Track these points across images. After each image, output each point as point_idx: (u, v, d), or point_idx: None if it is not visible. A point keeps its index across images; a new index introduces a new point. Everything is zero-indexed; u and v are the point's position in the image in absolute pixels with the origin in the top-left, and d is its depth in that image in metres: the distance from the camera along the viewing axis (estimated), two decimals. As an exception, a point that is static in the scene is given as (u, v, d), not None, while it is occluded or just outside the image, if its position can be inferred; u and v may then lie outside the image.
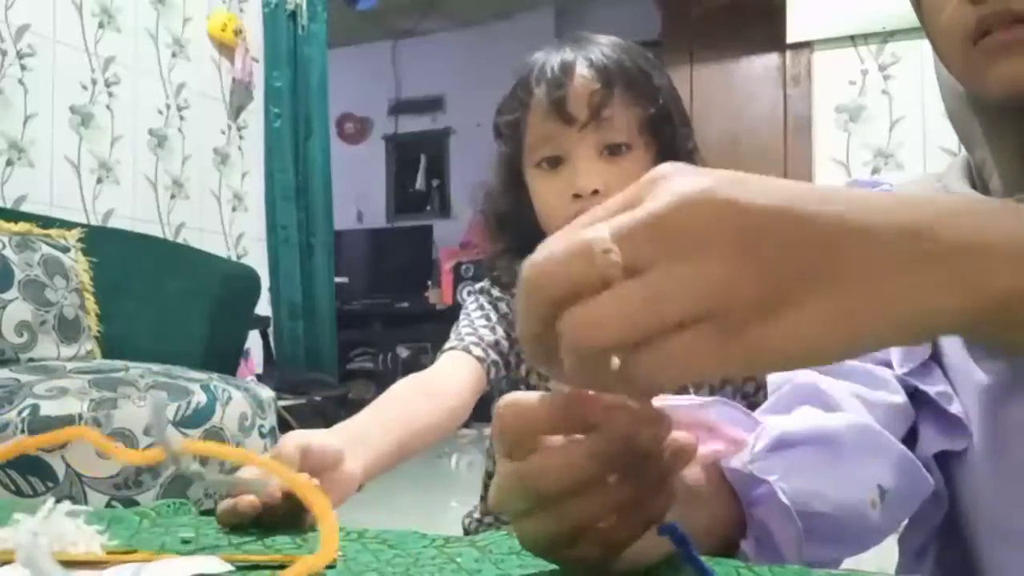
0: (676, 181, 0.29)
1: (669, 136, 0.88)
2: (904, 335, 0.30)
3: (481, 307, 0.95)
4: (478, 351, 0.87)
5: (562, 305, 0.29)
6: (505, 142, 0.91)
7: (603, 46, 0.87)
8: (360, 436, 0.68)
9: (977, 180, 0.61)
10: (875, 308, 0.28)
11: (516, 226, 0.92)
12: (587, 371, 0.30)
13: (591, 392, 0.33)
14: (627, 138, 0.85)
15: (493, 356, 0.88)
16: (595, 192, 0.83)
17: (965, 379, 0.57)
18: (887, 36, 2.69)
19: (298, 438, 0.59)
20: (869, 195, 0.31)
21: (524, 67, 0.89)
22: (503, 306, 0.94)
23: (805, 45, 2.85)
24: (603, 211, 0.30)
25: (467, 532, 0.91)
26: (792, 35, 2.85)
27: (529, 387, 0.90)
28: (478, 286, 0.98)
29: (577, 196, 0.83)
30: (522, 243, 0.92)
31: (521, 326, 0.31)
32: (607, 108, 0.83)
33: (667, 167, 0.30)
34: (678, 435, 0.34)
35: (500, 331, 0.91)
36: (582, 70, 0.84)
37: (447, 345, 0.90)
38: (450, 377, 0.84)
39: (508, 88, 0.91)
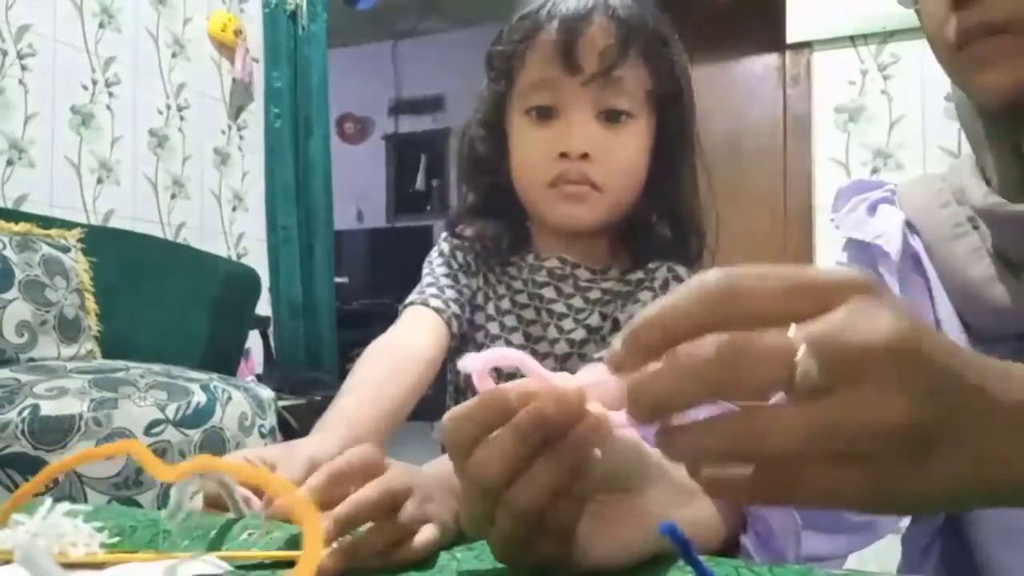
0: (884, 317, 0.28)
1: (675, 115, 0.81)
2: None
3: (441, 254, 0.89)
4: (437, 303, 0.83)
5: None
6: (496, 78, 0.83)
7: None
8: (352, 437, 0.66)
9: (984, 181, 0.61)
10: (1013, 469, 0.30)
11: (489, 175, 0.85)
12: (721, 483, 0.31)
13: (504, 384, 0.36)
14: (630, 106, 0.78)
15: (454, 308, 0.83)
16: (584, 156, 0.76)
17: None
18: (887, 36, 2.69)
19: (303, 450, 0.56)
20: None
21: (535, 1, 0.80)
22: (460, 256, 0.88)
23: (805, 45, 2.85)
24: (775, 282, 0.29)
25: None
26: (792, 35, 2.85)
27: (479, 341, 0.87)
28: (440, 244, 0.91)
29: (563, 155, 0.77)
30: (492, 200, 0.86)
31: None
32: (619, 68, 0.75)
33: (873, 283, 0.30)
34: (593, 409, 0.35)
35: (462, 279, 0.86)
36: (600, 18, 0.75)
37: (408, 299, 0.85)
38: (414, 342, 0.79)
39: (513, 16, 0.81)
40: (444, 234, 0.92)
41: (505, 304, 0.87)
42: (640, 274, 0.83)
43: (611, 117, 0.77)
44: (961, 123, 0.62)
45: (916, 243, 0.63)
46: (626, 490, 0.41)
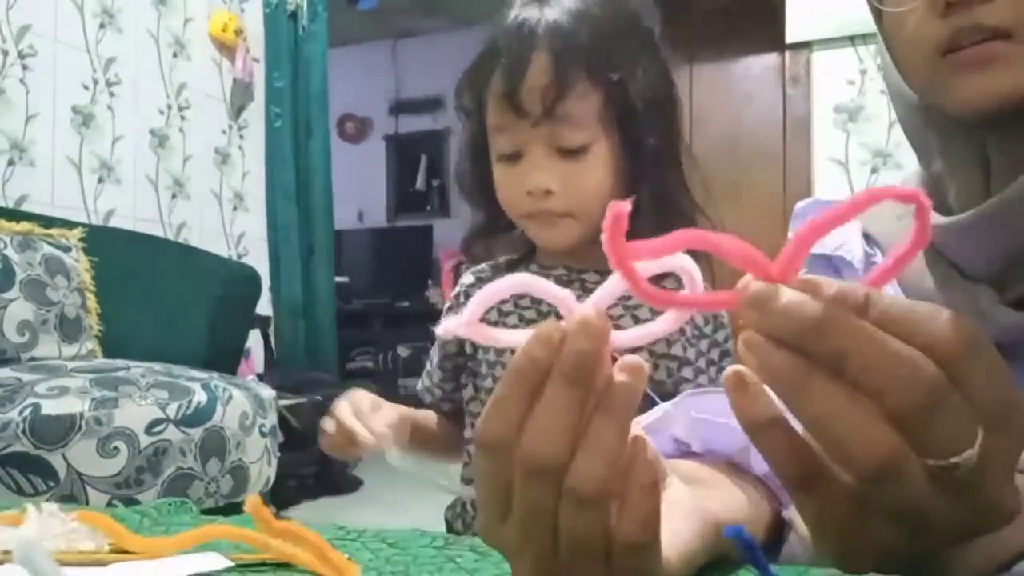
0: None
1: (642, 124, 0.80)
2: None
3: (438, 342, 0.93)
4: (428, 397, 0.94)
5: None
6: (468, 121, 0.87)
7: (566, 7, 0.78)
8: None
9: (933, 194, 0.60)
10: None
11: (486, 204, 0.88)
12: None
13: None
14: (585, 138, 0.78)
15: (439, 394, 0.93)
16: (547, 192, 0.78)
17: None
18: (886, 36, 2.69)
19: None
20: None
21: (494, 29, 0.83)
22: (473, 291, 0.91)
23: (804, 45, 2.85)
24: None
25: (450, 525, 0.91)
26: (791, 35, 2.85)
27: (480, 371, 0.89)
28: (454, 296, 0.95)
29: (530, 193, 0.79)
30: (495, 221, 0.90)
31: None
32: (561, 103, 0.76)
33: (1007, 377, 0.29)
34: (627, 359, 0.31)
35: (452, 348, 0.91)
36: (539, 55, 0.76)
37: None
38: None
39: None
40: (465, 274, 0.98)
41: (512, 320, 0.87)
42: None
43: (566, 154, 0.79)
44: (907, 132, 0.62)
45: (875, 253, 0.63)
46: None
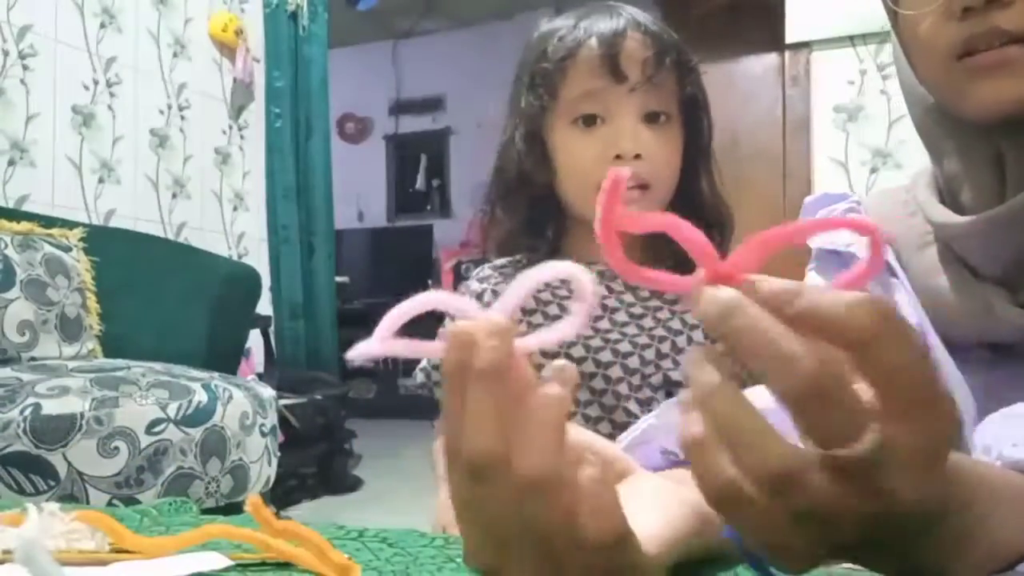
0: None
1: (699, 119, 0.88)
2: None
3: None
4: (422, 377, 0.94)
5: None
6: (538, 94, 0.87)
7: (644, 15, 0.86)
8: None
9: (945, 194, 0.61)
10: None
11: (532, 188, 0.89)
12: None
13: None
14: (668, 108, 0.84)
15: (436, 378, 0.92)
16: (636, 156, 0.82)
17: (955, 385, 0.57)
18: (886, 36, 2.69)
19: None
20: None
21: (563, 25, 0.87)
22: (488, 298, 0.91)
23: (804, 45, 2.85)
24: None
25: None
26: (791, 35, 2.85)
27: None
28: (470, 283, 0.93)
29: (618, 157, 0.82)
30: (533, 214, 0.90)
31: None
32: (658, 75, 0.82)
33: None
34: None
35: None
36: (635, 33, 0.83)
37: None
38: None
39: (534, 45, 0.88)
40: (474, 274, 0.96)
41: (553, 310, 0.87)
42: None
43: (653, 119, 0.84)
44: (920, 132, 0.62)
45: (886, 251, 0.63)
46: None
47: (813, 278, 0.69)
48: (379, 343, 0.31)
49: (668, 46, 0.83)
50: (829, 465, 0.27)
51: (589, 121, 0.84)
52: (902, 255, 0.63)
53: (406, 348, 0.32)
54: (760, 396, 0.30)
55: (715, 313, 0.28)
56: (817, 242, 0.68)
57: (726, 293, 0.29)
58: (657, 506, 0.37)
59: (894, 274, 0.63)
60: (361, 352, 0.32)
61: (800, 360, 0.27)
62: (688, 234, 0.31)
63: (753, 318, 0.28)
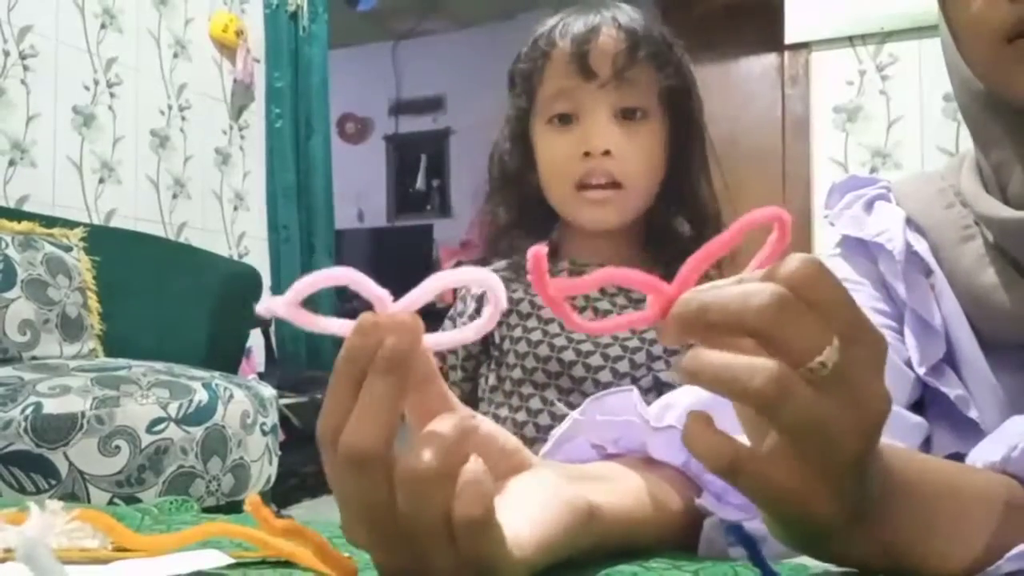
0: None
1: (685, 112, 0.87)
2: None
3: (450, 318, 0.94)
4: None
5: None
6: (518, 94, 0.89)
7: (629, 10, 0.86)
8: None
9: (991, 184, 0.58)
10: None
11: (520, 187, 0.90)
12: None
13: None
14: (645, 104, 0.84)
15: (457, 393, 0.92)
16: (606, 153, 0.81)
17: (983, 385, 0.56)
18: (885, 37, 2.70)
19: None
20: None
21: (546, 25, 0.87)
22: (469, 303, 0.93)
23: (803, 46, 2.85)
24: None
25: None
26: (790, 36, 2.86)
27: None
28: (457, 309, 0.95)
29: (587, 155, 0.82)
30: (526, 214, 0.90)
31: None
32: (630, 70, 0.82)
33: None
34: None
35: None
36: (609, 29, 0.83)
37: None
38: None
39: (528, 43, 0.88)
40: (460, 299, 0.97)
41: (547, 313, 0.87)
42: None
43: (627, 115, 0.83)
44: (968, 121, 0.59)
45: (920, 243, 0.61)
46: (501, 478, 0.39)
47: (838, 263, 0.66)
48: (284, 306, 0.32)
49: (642, 40, 0.83)
50: (807, 378, 0.31)
51: (564, 120, 0.84)
52: (940, 250, 0.60)
53: (308, 320, 0.33)
54: (695, 391, 0.33)
55: (679, 313, 0.33)
56: (841, 227, 0.66)
57: (688, 300, 0.33)
58: (535, 503, 0.37)
59: (928, 269, 0.60)
60: (268, 307, 0.32)
61: (763, 290, 0.31)
62: (628, 276, 0.34)
63: (709, 289, 0.33)
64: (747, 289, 0.32)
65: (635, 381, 0.83)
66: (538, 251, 0.32)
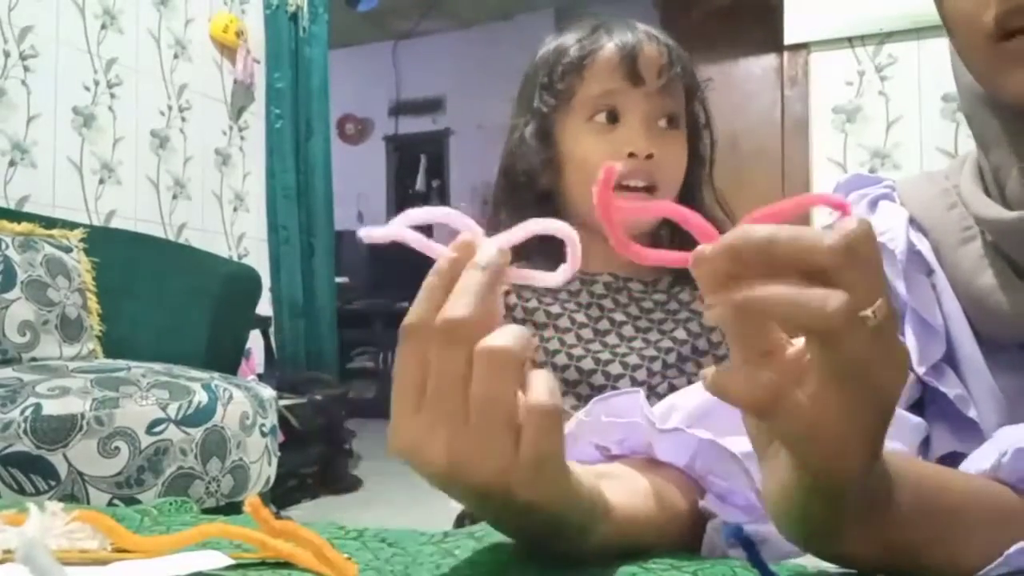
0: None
1: (701, 135, 0.92)
2: None
3: None
4: None
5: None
6: (553, 92, 0.90)
7: (660, 32, 0.90)
8: None
9: (991, 185, 0.58)
10: None
11: (538, 188, 0.90)
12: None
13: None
14: (680, 113, 0.88)
15: None
16: (649, 156, 0.84)
17: (983, 385, 0.56)
18: (884, 37, 2.70)
19: None
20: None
21: (575, 33, 0.90)
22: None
23: (802, 46, 2.85)
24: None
25: (460, 522, 0.92)
26: (789, 36, 2.86)
27: None
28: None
29: (631, 155, 0.84)
30: (541, 216, 0.90)
31: None
32: (671, 82, 0.87)
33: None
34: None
35: None
36: (650, 42, 0.87)
37: None
38: None
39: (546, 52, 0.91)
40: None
41: (564, 323, 0.88)
42: (686, 295, 0.90)
43: (666, 123, 0.88)
44: (970, 122, 0.59)
45: (922, 242, 0.61)
46: None
47: None
48: (395, 229, 0.35)
49: (677, 58, 0.88)
50: (861, 325, 0.31)
51: (611, 118, 0.87)
52: (941, 250, 0.60)
53: (416, 240, 0.37)
54: (700, 393, 0.33)
55: (736, 251, 0.33)
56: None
57: (741, 235, 0.33)
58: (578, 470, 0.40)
59: (930, 268, 0.61)
60: (373, 234, 0.36)
61: (823, 239, 0.32)
62: (687, 216, 0.35)
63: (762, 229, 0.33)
64: (817, 230, 0.32)
65: (652, 389, 0.84)
66: (612, 166, 0.36)
